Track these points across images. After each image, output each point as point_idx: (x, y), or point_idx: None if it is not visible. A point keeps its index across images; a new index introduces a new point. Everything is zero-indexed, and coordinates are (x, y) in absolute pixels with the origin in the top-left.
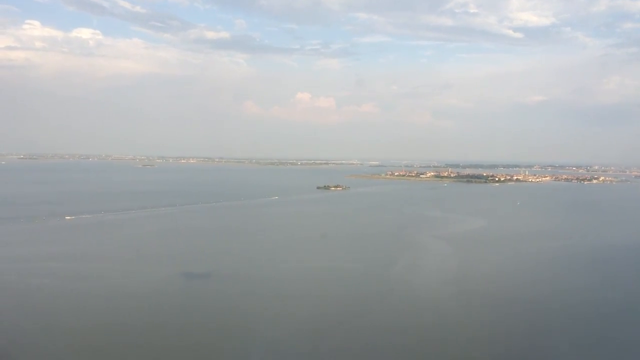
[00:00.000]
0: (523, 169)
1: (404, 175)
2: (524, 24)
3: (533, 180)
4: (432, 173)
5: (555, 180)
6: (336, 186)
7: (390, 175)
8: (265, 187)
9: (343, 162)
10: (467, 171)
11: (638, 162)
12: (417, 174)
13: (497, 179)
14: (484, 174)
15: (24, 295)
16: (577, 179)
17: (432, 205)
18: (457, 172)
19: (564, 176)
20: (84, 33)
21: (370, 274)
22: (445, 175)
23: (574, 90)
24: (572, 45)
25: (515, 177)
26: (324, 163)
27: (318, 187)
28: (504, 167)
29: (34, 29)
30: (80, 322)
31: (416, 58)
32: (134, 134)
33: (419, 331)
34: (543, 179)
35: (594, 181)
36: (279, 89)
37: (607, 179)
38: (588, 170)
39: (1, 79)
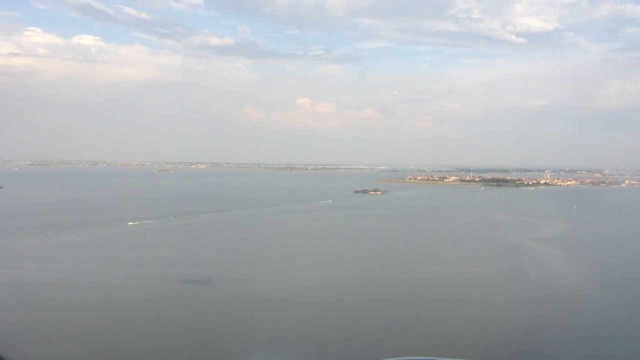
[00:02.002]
0: (536, 172)
1: (428, 180)
2: (527, 29)
3: (561, 184)
4: (455, 177)
5: (580, 184)
6: (375, 190)
7: (412, 179)
8: (303, 191)
9: (351, 166)
10: (489, 175)
11: None
12: (440, 178)
13: (525, 182)
14: (508, 178)
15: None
16: (603, 182)
17: (492, 209)
18: (479, 177)
19: (588, 180)
20: (86, 40)
21: (516, 278)
22: (470, 179)
23: (575, 95)
24: (574, 50)
25: (543, 181)
26: (335, 168)
27: (356, 191)
28: (516, 172)
29: (35, 35)
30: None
31: (416, 63)
32: (136, 140)
33: None
34: (569, 182)
35: (623, 185)
36: (279, 95)
37: (631, 182)
38: (603, 175)
39: (4, 86)
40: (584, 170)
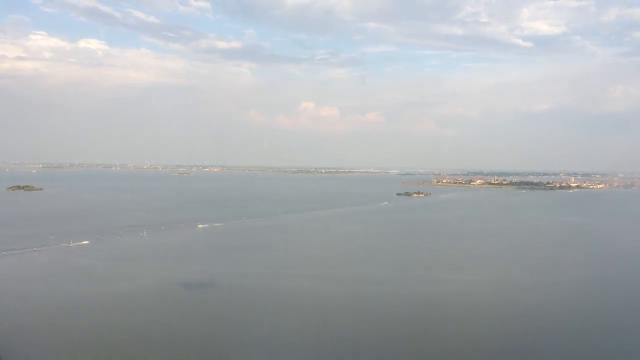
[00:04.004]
0: (552, 176)
1: (455, 183)
2: (535, 33)
3: (593, 187)
4: (481, 180)
5: (609, 187)
6: (418, 193)
7: (438, 182)
8: (346, 193)
9: (362, 170)
10: (515, 178)
11: None
12: (467, 181)
13: (556, 186)
14: (535, 181)
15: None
16: (633, 186)
17: (555, 211)
18: (504, 180)
19: (616, 183)
20: (92, 43)
21: None
22: (497, 182)
23: (579, 99)
24: (580, 54)
25: (574, 185)
26: (349, 171)
27: (398, 194)
28: (533, 176)
29: (41, 39)
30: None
31: (421, 67)
32: (142, 143)
33: None
34: (600, 186)
35: None
36: (283, 99)
37: None
38: (619, 178)
39: (11, 89)
40: (597, 174)
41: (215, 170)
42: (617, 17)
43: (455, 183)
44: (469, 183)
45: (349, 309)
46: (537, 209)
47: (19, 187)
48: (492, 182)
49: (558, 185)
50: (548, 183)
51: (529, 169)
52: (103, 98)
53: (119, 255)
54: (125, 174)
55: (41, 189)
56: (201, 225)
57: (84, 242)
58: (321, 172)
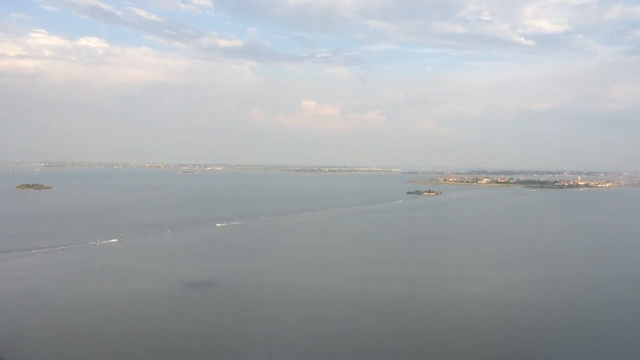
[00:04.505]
0: (556, 175)
1: (462, 182)
2: (537, 31)
3: (601, 186)
4: (488, 179)
5: (617, 185)
6: (428, 191)
7: (445, 180)
8: (357, 192)
9: (365, 169)
10: (522, 177)
11: None
12: (473, 180)
13: (564, 184)
14: (542, 180)
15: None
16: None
17: (570, 210)
18: (510, 178)
19: (623, 182)
20: (92, 42)
21: None
22: (504, 181)
23: (580, 98)
24: (582, 52)
25: (583, 183)
26: (352, 170)
27: (408, 192)
28: (537, 174)
29: (42, 37)
30: None
31: (422, 66)
32: (143, 142)
33: None
34: (606, 184)
35: None
36: (284, 97)
37: None
38: (625, 177)
39: (12, 88)
40: (601, 173)
41: (217, 168)
42: (619, 15)
43: (462, 182)
44: (476, 182)
45: (389, 308)
46: (554, 208)
47: (28, 186)
48: (499, 180)
49: (566, 184)
50: (556, 182)
51: (531, 167)
52: (104, 96)
53: (149, 254)
54: (129, 172)
55: (50, 188)
56: (219, 224)
57: (112, 240)
58: (324, 171)
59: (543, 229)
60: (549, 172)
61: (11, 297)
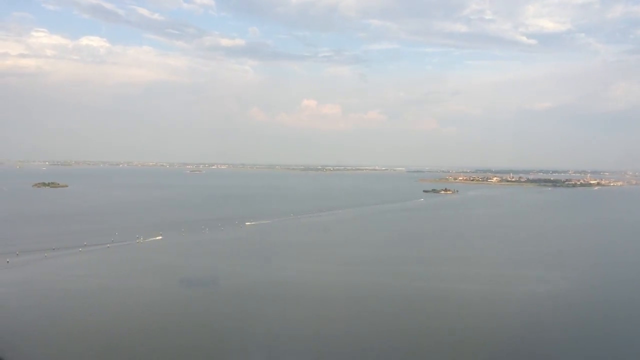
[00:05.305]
0: (562, 173)
1: (472, 180)
2: (540, 30)
3: (614, 184)
4: (497, 178)
5: (628, 184)
6: (445, 190)
7: (454, 179)
8: (375, 191)
9: (369, 168)
10: (531, 176)
11: None
12: (483, 178)
13: (576, 183)
14: (552, 179)
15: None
16: None
17: (603, 210)
18: (520, 177)
19: (634, 181)
20: (94, 41)
21: None
22: (514, 180)
23: (581, 97)
24: (584, 51)
25: (595, 182)
26: (358, 169)
27: (425, 191)
28: (542, 173)
29: (44, 36)
30: None
31: (423, 65)
32: (145, 141)
33: None
34: (617, 183)
35: None
36: (285, 96)
37: None
38: (631, 176)
39: (14, 87)
40: (606, 172)
41: (222, 167)
42: (622, 14)
43: (472, 180)
44: (486, 180)
45: (446, 306)
46: (578, 207)
47: (44, 184)
48: (509, 179)
49: (579, 183)
50: (567, 180)
51: (532, 166)
52: (106, 96)
53: (197, 252)
54: (135, 171)
55: (66, 186)
56: (249, 223)
57: (157, 238)
58: (329, 170)
59: (584, 227)
60: (554, 171)
61: (83, 296)
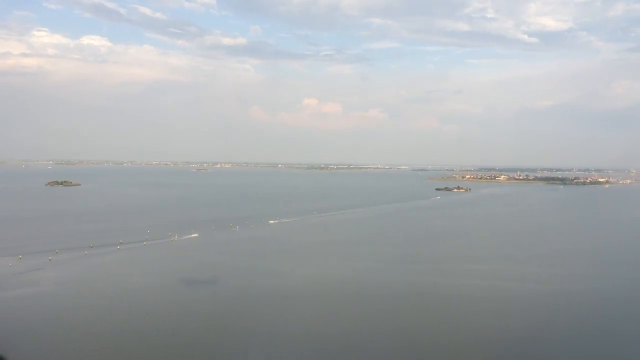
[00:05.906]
0: (567, 172)
1: (480, 179)
2: (541, 29)
3: (623, 182)
4: (505, 176)
5: (636, 182)
6: (458, 188)
7: (461, 177)
8: (388, 189)
9: (372, 166)
10: (538, 174)
11: None
12: (490, 177)
13: (586, 181)
14: (560, 177)
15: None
16: None
17: (622, 207)
18: (527, 175)
19: None
20: (95, 40)
21: None
22: (522, 178)
23: (583, 95)
24: (585, 50)
25: (604, 180)
26: (363, 168)
27: (437, 189)
28: (547, 171)
29: (45, 36)
30: None
31: (424, 64)
32: (147, 140)
33: None
34: (626, 181)
35: None
36: (286, 95)
37: None
38: (634, 174)
39: (15, 86)
40: (609, 170)
41: (226, 166)
42: (623, 12)
43: (480, 179)
44: (494, 178)
45: (492, 303)
46: (595, 204)
47: (57, 183)
48: (517, 177)
49: (588, 181)
50: (575, 178)
51: (534, 164)
52: (107, 95)
53: (234, 250)
54: (141, 170)
55: (79, 185)
56: (272, 221)
57: (193, 235)
58: (333, 169)
59: (611, 224)
60: (557, 169)
61: (131, 295)
